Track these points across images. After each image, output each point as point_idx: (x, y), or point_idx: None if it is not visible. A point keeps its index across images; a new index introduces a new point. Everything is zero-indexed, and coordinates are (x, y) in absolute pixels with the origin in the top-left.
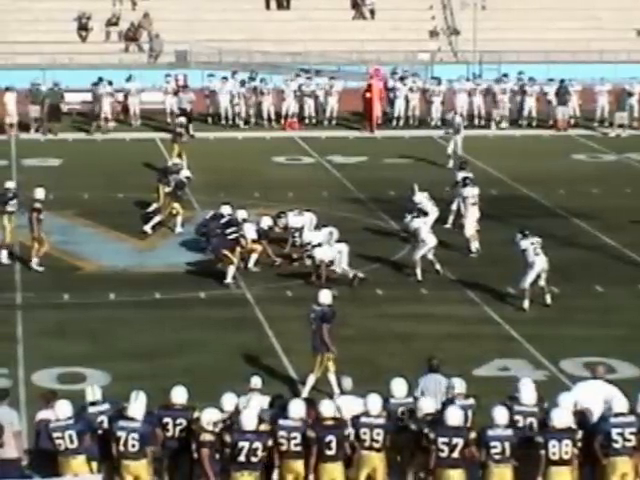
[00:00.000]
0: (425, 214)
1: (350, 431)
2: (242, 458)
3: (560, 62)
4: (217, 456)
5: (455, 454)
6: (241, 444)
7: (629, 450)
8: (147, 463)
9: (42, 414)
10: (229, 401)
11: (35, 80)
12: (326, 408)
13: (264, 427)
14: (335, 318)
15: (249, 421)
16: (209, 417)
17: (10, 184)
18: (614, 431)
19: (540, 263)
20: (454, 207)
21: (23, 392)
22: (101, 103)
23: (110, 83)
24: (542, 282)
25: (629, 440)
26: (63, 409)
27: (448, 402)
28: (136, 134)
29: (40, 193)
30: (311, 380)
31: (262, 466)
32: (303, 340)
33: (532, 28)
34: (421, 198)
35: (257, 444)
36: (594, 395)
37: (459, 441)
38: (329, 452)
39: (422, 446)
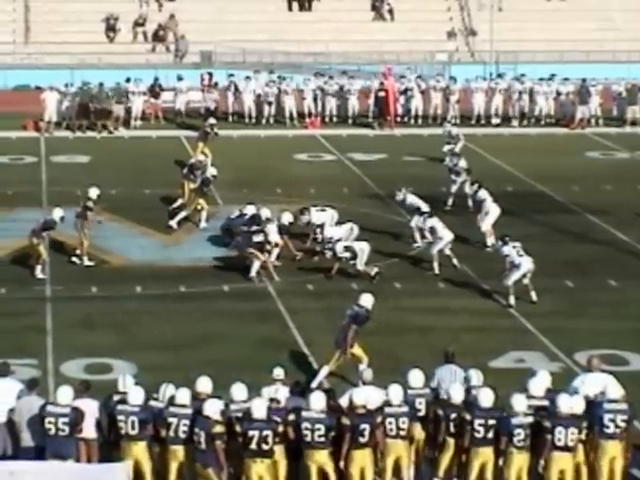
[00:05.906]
0: (419, 210)
1: (380, 419)
2: (253, 446)
3: (574, 62)
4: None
5: (490, 434)
6: (251, 433)
7: (619, 435)
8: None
9: (77, 404)
10: (239, 391)
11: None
12: (358, 397)
13: (292, 417)
14: (366, 324)
15: (258, 410)
16: (215, 407)
17: (56, 214)
18: (606, 416)
19: (526, 264)
20: (468, 190)
21: (52, 382)
22: (133, 102)
23: (127, 81)
24: (526, 280)
25: (620, 426)
26: (135, 396)
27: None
28: (162, 132)
29: (94, 192)
30: (324, 372)
31: (281, 452)
32: (324, 332)
33: (547, 29)
34: (413, 198)
35: (267, 432)
36: (597, 387)
37: (493, 422)
38: (362, 439)
39: (450, 432)
